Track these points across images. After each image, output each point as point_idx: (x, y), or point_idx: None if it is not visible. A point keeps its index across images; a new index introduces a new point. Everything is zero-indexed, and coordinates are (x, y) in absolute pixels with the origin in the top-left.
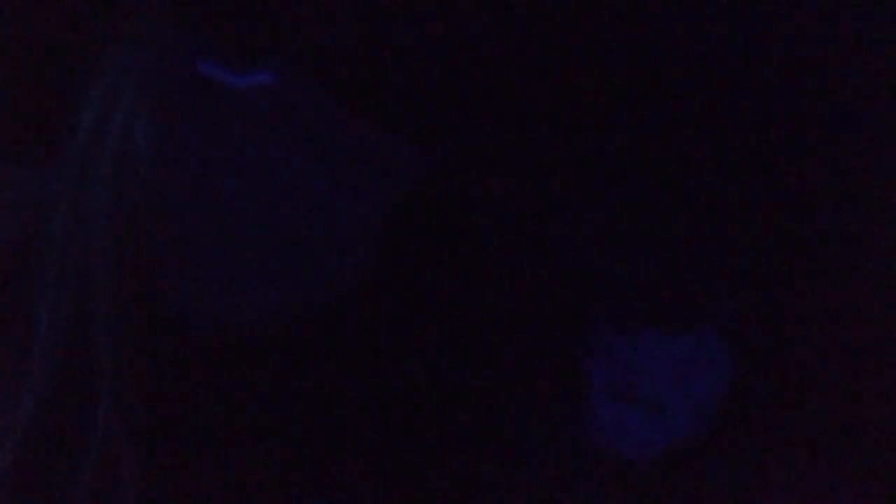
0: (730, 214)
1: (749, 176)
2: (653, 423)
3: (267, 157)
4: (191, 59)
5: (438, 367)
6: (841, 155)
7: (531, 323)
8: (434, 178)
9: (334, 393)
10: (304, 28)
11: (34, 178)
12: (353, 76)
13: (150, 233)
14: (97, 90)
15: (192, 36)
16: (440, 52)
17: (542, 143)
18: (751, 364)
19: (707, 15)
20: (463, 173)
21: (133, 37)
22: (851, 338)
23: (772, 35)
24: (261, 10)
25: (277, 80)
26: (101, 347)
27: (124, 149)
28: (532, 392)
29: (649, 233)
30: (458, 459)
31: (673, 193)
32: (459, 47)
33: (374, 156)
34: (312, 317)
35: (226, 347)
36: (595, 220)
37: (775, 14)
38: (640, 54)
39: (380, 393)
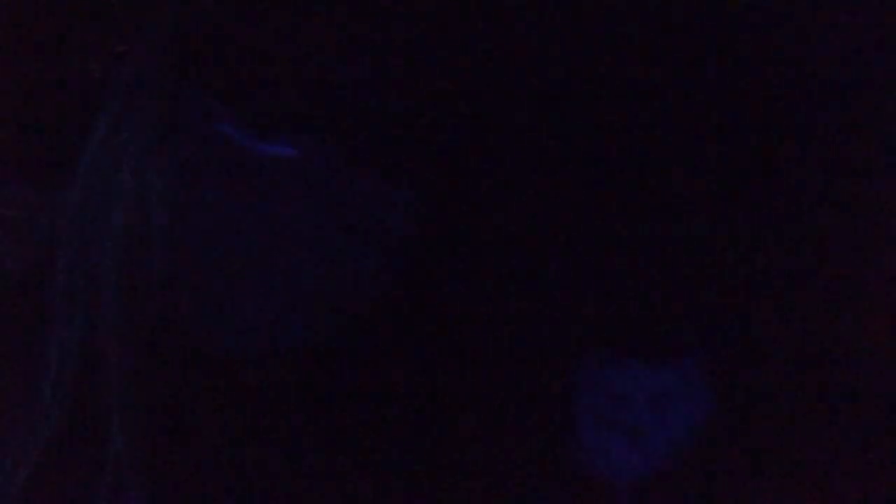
0: (711, 251)
1: (731, 210)
2: (633, 449)
3: (278, 203)
4: (208, 117)
5: (432, 393)
6: (831, 186)
7: (524, 350)
8: (430, 219)
9: (336, 422)
10: (308, 88)
11: (42, 200)
12: (354, 128)
13: (160, 265)
14: (103, 125)
15: (208, 95)
16: (433, 101)
17: (530, 181)
18: (728, 396)
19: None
20: (456, 214)
21: (138, 79)
22: (831, 372)
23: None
24: (270, 74)
25: (296, 153)
26: (111, 378)
27: (132, 184)
28: (521, 415)
29: (635, 268)
30: (448, 477)
31: (656, 230)
32: (451, 97)
33: (375, 201)
34: (322, 346)
35: (237, 376)
36: (583, 256)
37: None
38: (634, 94)
39: (377, 416)
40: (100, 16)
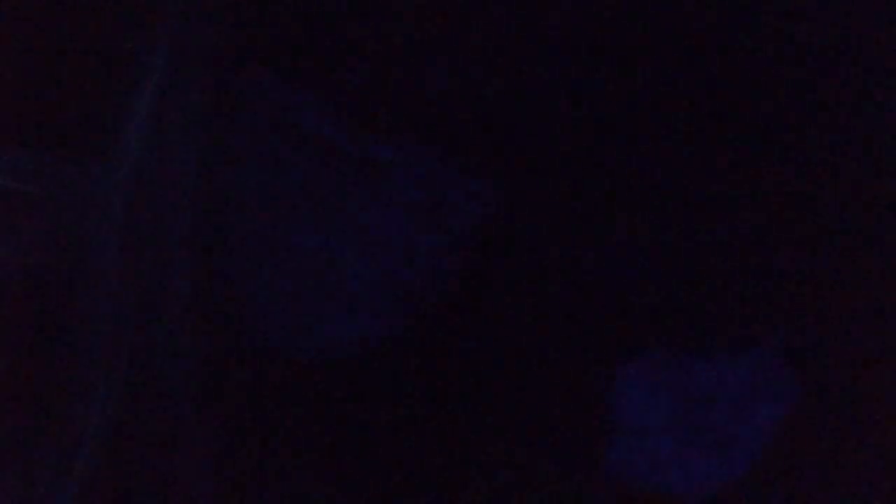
0: (795, 228)
1: (814, 195)
2: (713, 457)
3: (347, 195)
4: (285, 106)
5: (484, 397)
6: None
7: (579, 352)
8: (506, 213)
9: (393, 423)
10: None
11: (78, 174)
12: (428, 116)
13: (219, 256)
14: (147, 98)
15: (285, 79)
16: (511, 93)
17: (598, 175)
18: (819, 389)
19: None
20: (527, 210)
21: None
22: None
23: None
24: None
25: (394, 156)
26: (167, 381)
27: (192, 165)
28: (578, 421)
29: (700, 248)
30: (491, 490)
31: (730, 212)
32: (532, 90)
33: (448, 193)
34: (385, 346)
35: (300, 374)
36: (646, 241)
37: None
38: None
39: (435, 421)
40: None
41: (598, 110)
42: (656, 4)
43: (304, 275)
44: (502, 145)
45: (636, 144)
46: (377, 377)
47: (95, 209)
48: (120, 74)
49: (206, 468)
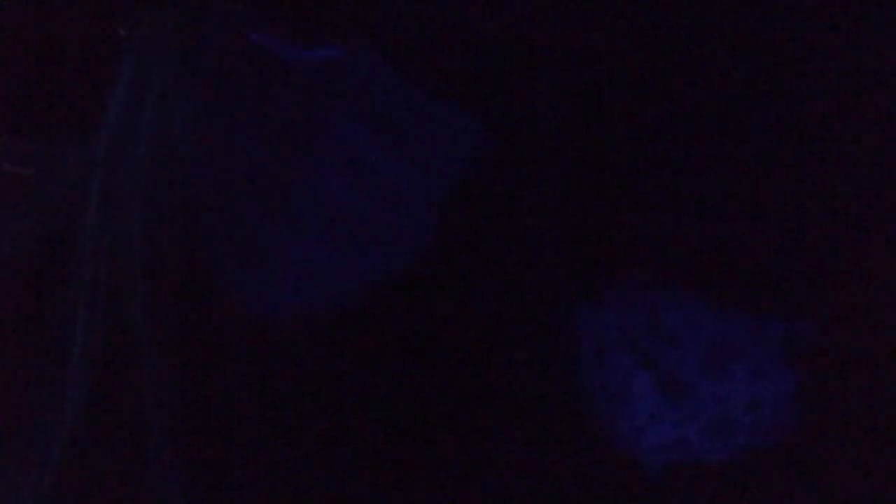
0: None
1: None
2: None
3: (329, 133)
4: (241, 30)
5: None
6: None
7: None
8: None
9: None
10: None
11: (66, 155)
12: (417, 49)
13: (193, 216)
14: (128, 64)
15: (247, 8)
16: (501, 29)
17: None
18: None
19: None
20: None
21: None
22: None
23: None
24: None
25: (343, 55)
26: (142, 349)
27: (160, 125)
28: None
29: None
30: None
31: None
32: (517, 24)
33: (439, 128)
34: (374, 292)
35: (282, 334)
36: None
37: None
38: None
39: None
40: None
41: (592, 54)
42: None
43: (278, 218)
44: (494, 84)
45: (632, 87)
46: (354, 334)
47: (78, 187)
48: (101, 66)
49: (179, 454)
